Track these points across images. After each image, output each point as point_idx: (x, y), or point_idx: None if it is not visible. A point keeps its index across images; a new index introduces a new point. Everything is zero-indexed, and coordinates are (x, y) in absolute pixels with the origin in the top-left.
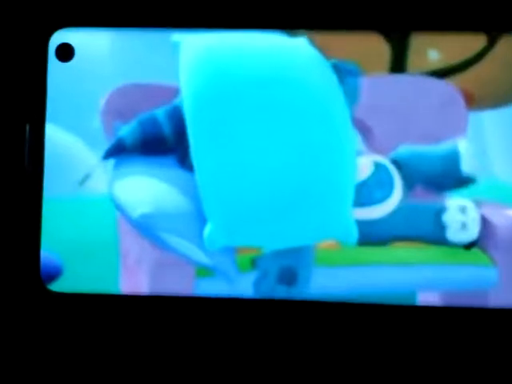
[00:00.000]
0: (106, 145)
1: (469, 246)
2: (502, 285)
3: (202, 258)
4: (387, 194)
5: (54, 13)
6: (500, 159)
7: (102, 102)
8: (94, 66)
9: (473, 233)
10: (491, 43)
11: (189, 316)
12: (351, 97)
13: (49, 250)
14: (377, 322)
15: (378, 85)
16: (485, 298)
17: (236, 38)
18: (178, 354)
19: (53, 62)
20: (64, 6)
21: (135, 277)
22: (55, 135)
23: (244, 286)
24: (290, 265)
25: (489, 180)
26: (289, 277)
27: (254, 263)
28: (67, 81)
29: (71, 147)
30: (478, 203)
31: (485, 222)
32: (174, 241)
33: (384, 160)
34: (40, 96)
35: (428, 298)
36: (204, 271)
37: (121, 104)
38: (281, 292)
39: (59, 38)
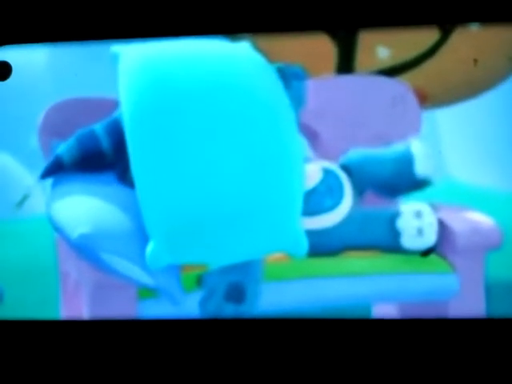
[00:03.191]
0: (43, 164)
1: (426, 252)
2: (464, 293)
3: (144, 278)
4: (337, 202)
5: None
6: (456, 158)
7: (39, 119)
8: (31, 83)
9: (430, 238)
10: (444, 36)
11: (132, 339)
12: (297, 101)
13: None
14: (330, 337)
15: (325, 87)
16: (445, 307)
17: (176, 46)
18: (121, 379)
19: None
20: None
21: (76, 300)
22: None
23: (190, 306)
24: (238, 281)
25: (445, 181)
26: (237, 294)
27: (199, 281)
28: (4, 99)
29: (8, 168)
30: (435, 206)
31: (443, 227)
32: (115, 261)
33: (333, 166)
34: None
35: (384, 310)
36: (147, 292)
37: (59, 120)
38: (229, 310)
39: None
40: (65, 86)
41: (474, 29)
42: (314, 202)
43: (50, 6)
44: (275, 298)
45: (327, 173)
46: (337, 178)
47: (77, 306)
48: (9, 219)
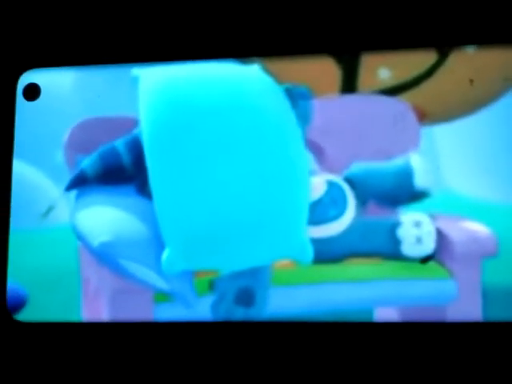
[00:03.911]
0: (68, 177)
1: (425, 259)
2: (461, 298)
3: (160, 283)
4: (341, 212)
5: (22, 54)
6: (453, 171)
7: (65, 137)
8: (58, 104)
9: (428, 246)
10: (442, 58)
11: (149, 341)
12: (303, 119)
13: (14, 281)
14: (334, 339)
15: (330, 106)
16: (443, 312)
17: (191, 69)
18: (140, 378)
19: (20, 101)
20: (30, 47)
21: (96, 304)
22: (21, 170)
23: (202, 310)
24: (247, 286)
25: (443, 193)
26: (246, 298)
27: (211, 286)
28: (33, 118)
29: (36, 181)
30: (433, 216)
31: (441, 235)
32: (133, 267)
33: (337, 178)
34: (8, 133)
35: (385, 314)
36: (162, 296)
37: (83, 138)
38: (239, 313)
39: (27, 78)
40: (89, 106)
41: (471, 51)
42: (319, 212)
43: (76, 31)
44: (283, 302)
45: (331, 185)
46: (340, 189)
47: (97, 310)
48: (35, 229)
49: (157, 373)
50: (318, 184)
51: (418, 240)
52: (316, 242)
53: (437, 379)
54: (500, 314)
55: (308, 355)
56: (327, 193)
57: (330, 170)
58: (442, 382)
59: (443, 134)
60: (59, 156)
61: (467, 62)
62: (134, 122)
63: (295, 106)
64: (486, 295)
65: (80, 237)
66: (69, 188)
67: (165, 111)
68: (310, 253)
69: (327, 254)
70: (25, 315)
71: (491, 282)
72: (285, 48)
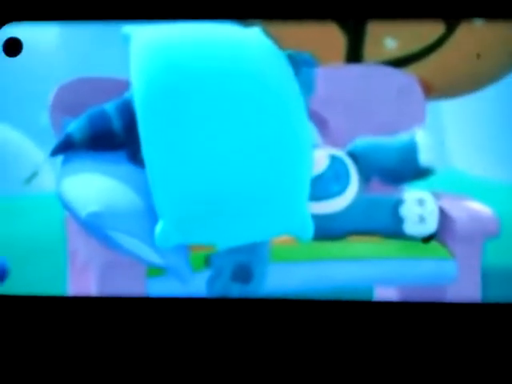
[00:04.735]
0: (54, 141)
1: (427, 239)
2: (461, 279)
3: (153, 257)
4: (343, 188)
5: (2, 6)
6: (459, 149)
7: (50, 97)
8: (42, 61)
9: (431, 225)
10: (450, 30)
11: (140, 317)
12: (307, 88)
13: None
14: (333, 318)
15: (334, 76)
16: (444, 292)
17: (188, 29)
18: (129, 356)
19: (0, 57)
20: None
21: (84, 278)
22: (2, 133)
23: (197, 285)
24: (245, 262)
25: (447, 171)
26: (244, 274)
27: (207, 261)
28: (15, 76)
29: (18, 144)
30: (437, 195)
31: (443, 215)
32: (124, 240)
33: (340, 153)
34: None
35: (385, 293)
36: (155, 271)
37: (70, 99)
38: (236, 290)
39: (7, 32)
40: (76, 65)
41: (479, 24)
42: (321, 188)
43: None
44: (281, 279)
45: (334, 159)
46: (344, 164)
47: (85, 284)
48: (17, 195)
49: (149, 351)
50: (320, 158)
51: (421, 219)
52: (317, 218)
53: (435, 359)
54: (499, 296)
55: (306, 334)
56: (330, 167)
57: (333, 143)
58: (440, 363)
59: (449, 110)
60: (44, 118)
61: (475, 35)
62: (126, 84)
63: (298, 73)
64: (486, 276)
65: (66, 206)
66: (54, 153)
67: (159, 74)
68: (310, 229)
69: (328, 230)
70: (6, 288)
71: (491, 264)
72: (288, 11)
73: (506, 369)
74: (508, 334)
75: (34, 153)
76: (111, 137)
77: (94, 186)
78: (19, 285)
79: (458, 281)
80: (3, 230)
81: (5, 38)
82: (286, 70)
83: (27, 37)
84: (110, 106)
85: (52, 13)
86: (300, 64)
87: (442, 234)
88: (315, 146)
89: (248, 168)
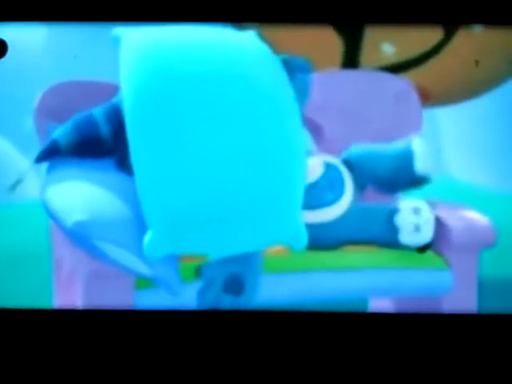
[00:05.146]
0: (38, 148)
1: (422, 248)
2: (458, 289)
3: (141, 268)
4: (338, 196)
5: None
6: (455, 157)
7: (35, 102)
8: (27, 64)
9: (426, 235)
10: (448, 36)
11: (128, 331)
12: (302, 94)
13: None
14: (327, 330)
15: (330, 81)
16: (439, 303)
17: (181, 32)
18: (119, 372)
19: None
20: None
21: (69, 289)
22: None
23: (188, 297)
24: (237, 272)
25: (443, 179)
26: (236, 285)
27: (198, 272)
28: None
29: (2, 151)
30: (433, 204)
31: (439, 224)
32: (112, 250)
33: (335, 160)
34: None
35: (380, 304)
36: (144, 282)
37: (56, 103)
38: (227, 302)
39: None
40: (63, 68)
41: (477, 30)
42: (315, 196)
43: None
44: (274, 291)
45: (329, 167)
46: (338, 172)
47: (71, 295)
48: (1, 204)
49: (137, 365)
50: (314, 165)
51: (417, 228)
52: (311, 227)
53: (430, 368)
54: (495, 307)
55: (299, 347)
56: (324, 175)
57: (328, 150)
58: (437, 375)
59: (446, 118)
60: (28, 123)
61: (473, 42)
62: (114, 89)
63: (293, 78)
64: (483, 287)
65: (51, 214)
66: (39, 160)
67: (149, 78)
68: (304, 239)
69: (322, 240)
70: None
71: (488, 274)
72: (283, 15)
73: (502, 379)
74: (505, 345)
75: (17, 159)
76: (99, 143)
77: (80, 194)
78: (2, 297)
79: (454, 291)
80: None
81: None
82: (280, 75)
83: (12, 38)
84: (97, 111)
85: (38, 13)
86: (295, 70)
87: (438, 243)
88: (310, 154)
89: (240, 175)
